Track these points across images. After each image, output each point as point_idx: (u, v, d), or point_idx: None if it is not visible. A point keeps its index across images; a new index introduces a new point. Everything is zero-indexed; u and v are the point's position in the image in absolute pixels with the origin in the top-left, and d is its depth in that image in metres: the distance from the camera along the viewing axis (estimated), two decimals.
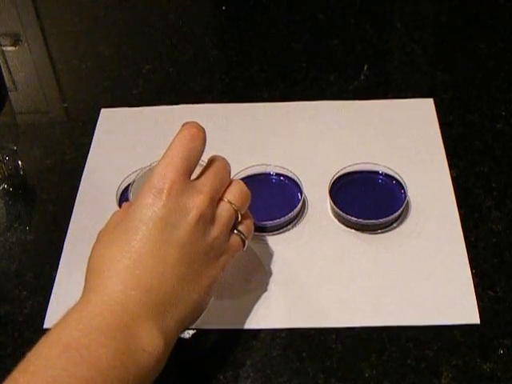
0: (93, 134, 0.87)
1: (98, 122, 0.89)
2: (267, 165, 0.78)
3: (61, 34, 1.06)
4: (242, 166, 0.78)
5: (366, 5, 1.06)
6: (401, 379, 0.62)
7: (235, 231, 0.62)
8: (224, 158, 0.64)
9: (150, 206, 0.56)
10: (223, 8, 1.08)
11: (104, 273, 0.55)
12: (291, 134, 0.85)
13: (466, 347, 0.64)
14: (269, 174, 0.78)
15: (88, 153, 0.85)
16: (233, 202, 0.61)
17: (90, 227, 0.76)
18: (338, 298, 0.68)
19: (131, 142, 0.86)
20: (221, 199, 0.61)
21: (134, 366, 0.51)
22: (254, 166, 0.78)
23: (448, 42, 0.98)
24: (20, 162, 0.86)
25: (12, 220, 0.79)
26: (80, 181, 0.81)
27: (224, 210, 0.60)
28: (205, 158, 0.83)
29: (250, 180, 0.78)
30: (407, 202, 0.75)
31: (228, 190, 0.62)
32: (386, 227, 0.73)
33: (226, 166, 0.63)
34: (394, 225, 0.74)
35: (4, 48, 1.02)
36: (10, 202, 0.81)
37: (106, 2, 1.11)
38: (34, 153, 0.86)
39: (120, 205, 0.76)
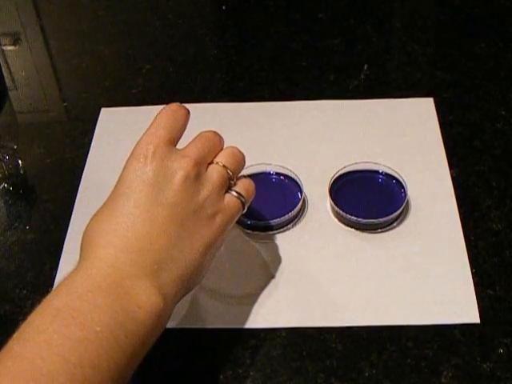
0: (93, 134, 0.87)
1: (98, 122, 0.89)
2: (267, 164, 0.78)
3: (61, 33, 1.06)
4: None
5: (366, 4, 1.06)
6: (401, 378, 0.62)
7: (231, 191, 0.62)
8: (214, 131, 0.64)
9: (135, 171, 0.57)
10: (223, 7, 1.08)
11: (94, 240, 0.56)
12: (291, 133, 0.86)
13: (466, 346, 0.64)
14: (269, 174, 0.79)
15: (88, 152, 0.85)
16: (223, 163, 0.61)
17: None
18: (338, 298, 0.68)
19: (131, 142, 0.85)
20: (211, 163, 0.61)
21: (131, 324, 0.50)
22: (254, 165, 0.78)
23: (448, 41, 0.98)
24: (20, 161, 0.86)
25: (12, 219, 0.79)
26: (80, 180, 0.81)
27: (214, 171, 0.60)
28: None
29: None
30: (407, 202, 0.75)
31: (219, 154, 0.62)
32: (385, 226, 0.73)
33: (216, 136, 0.63)
34: (394, 224, 0.74)
35: (4, 47, 1.02)
36: (10, 202, 0.81)
37: (106, 1, 1.11)
38: (34, 152, 0.86)
39: None
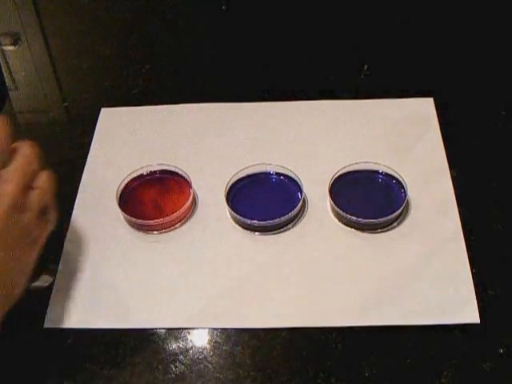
0: (93, 134, 0.87)
1: (98, 122, 0.89)
2: (267, 164, 0.78)
3: (61, 33, 1.06)
4: (242, 165, 0.78)
5: (366, 4, 1.06)
6: (401, 378, 0.62)
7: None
8: (30, 144, 0.63)
9: None
10: (223, 7, 1.08)
11: None
12: (291, 133, 0.86)
13: (466, 347, 0.64)
14: (269, 174, 0.79)
15: (88, 152, 0.85)
16: (38, 186, 0.60)
17: (90, 226, 0.77)
18: (339, 298, 0.68)
19: (131, 142, 0.86)
20: (31, 187, 0.59)
21: None
22: (254, 165, 0.78)
23: (448, 41, 0.98)
24: None
25: None
26: (80, 180, 0.81)
27: (37, 199, 0.59)
28: (207, 160, 0.83)
29: (250, 179, 0.78)
30: (407, 202, 0.75)
31: (38, 176, 0.61)
32: (385, 226, 0.73)
33: (33, 152, 0.63)
34: (394, 224, 0.74)
35: (4, 47, 1.02)
36: None
37: (105, 1, 1.11)
38: None
39: (120, 204, 0.76)
